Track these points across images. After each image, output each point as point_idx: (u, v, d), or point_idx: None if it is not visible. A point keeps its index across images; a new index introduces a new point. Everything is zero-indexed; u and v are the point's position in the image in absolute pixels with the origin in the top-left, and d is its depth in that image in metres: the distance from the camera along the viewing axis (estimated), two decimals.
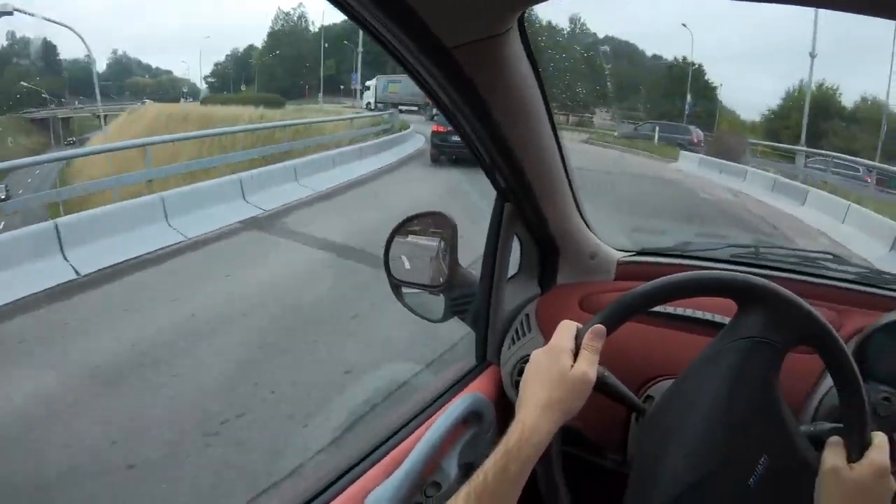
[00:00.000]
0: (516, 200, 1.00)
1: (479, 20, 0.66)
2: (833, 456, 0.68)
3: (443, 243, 1.09)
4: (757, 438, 0.69)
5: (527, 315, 1.10)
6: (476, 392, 1.05)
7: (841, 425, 0.71)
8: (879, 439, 0.69)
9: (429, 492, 0.96)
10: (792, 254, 1.29)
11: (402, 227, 1.11)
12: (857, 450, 0.67)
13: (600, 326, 0.71)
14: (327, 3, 0.61)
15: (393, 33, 0.65)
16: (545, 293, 1.14)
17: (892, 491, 0.67)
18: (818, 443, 0.70)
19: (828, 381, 0.93)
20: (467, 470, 0.97)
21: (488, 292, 1.05)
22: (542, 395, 0.68)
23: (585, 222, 1.13)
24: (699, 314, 1.03)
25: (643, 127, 19.34)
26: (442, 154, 11.21)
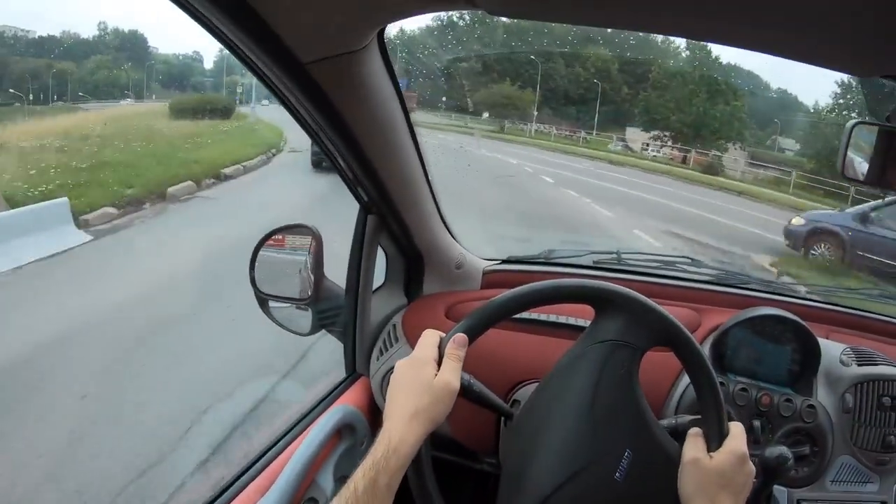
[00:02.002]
0: (379, 213, 1.01)
1: (334, 36, 0.65)
2: (693, 447, 0.72)
3: (309, 256, 1.08)
4: (620, 435, 0.72)
5: (394, 325, 1.11)
6: (346, 404, 1.04)
7: (700, 417, 0.75)
8: (736, 428, 0.74)
9: None
10: (652, 258, 1.38)
11: (267, 241, 1.08)
12: (715, 439, 0.72)
13: (462, 335, 0.72)
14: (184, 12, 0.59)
15: (248, 48, 0.63)
16: (412, 303, 1.15)
17: (752, 475, 0.72)
18: (680, 435, 0.75)
19: (687, 377, 0.98)
20: (343, 483, 0.95)
21: (354, 304, 1.05)
22: (407, 406, 0.68)
23: (451, 233, 1.16)
24: (562, 319, 1.08)
25: None
26: (322, 160, 11.05)
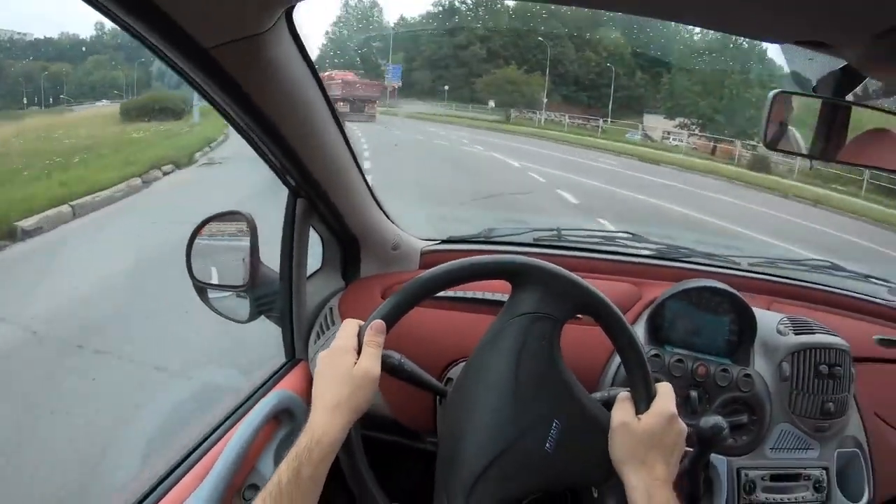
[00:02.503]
0: (308, 196, 1.01)
1: (237, 19, 0.64)
2: (621, 411, 0.73)
3: (244, 242, 1.08)
4: (547, 406, 0.72)
5: (330, 309, 1.12)
6: (285, 389, 1.04)
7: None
8: (664, 388, 0.74)
9: (247, 495, 0.94)
10: (592, 234, 1.40)
11: (202, 229, 1.08)
12: (643, 402, 0.72)
13: (379, 322, 0.73)
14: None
15: (151, 35, 0.63)
16: (349, 286, 1.15)
17: (682, 434, 0.72)
18: (612, 405, 0.75)
19: None
20: None
21: (289, 289, 1.05)
22: (328, 396, 0.69)
23: (386, 215, 1.15)
24: (489, 296, 1.08)
25: None
26: None
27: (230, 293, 1.10)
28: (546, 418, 0.72)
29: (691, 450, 0.89)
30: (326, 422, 0.67)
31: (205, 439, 0.98)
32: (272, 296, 1.09)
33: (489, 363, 0.76)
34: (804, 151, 0.92)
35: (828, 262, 1.38)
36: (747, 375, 1.05)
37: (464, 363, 1.00)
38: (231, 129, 0.89)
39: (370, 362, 0.70)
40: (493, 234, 1.34)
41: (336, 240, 1.13)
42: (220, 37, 0.64)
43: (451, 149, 14.61)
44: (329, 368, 0.71)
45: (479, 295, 1.09)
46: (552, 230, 1.35)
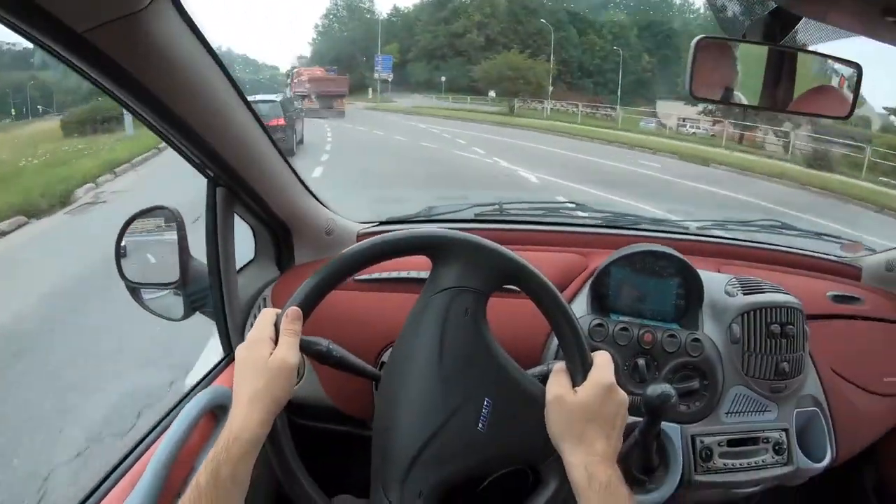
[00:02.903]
0: (228, 185, 0.97)
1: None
2: (556, 384, 0.68)
3: (174, 237, 1.05)
4: (476, 384, 0.69)
5: (264, 299, 1.09)
6: (219, 385, 1.02)
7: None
8: (601, 358, 0.69)
9: None
10: (536, 206, 1.35)
11: (128, 227, 1.06)
12: (579, 373, 0.68)
13: (295, 309, 0.70)
14: None
15: (21, 23, 0.58)
16: (282, 275, 1.12)
17: (623, 404, 0.68)
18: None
19: None
20: None
21: (219, 283, 1.02)
22: (246, 390, 0.66)
23: (317, 199, 1.12)
24: (414, 274, 1.05)
25: None
26: None
27: (164, 291, 1.08)
28: (476, 397, 0.69)
29: (640, 420, 0.85)
30: (244, 416, 0.64)
31: (138, 444, 0.95)
32: (205, 291, 1.06)
33: (413, 344, 0.73)
34: (749, 102, 0.87)
35: (778, 221, 1.34)
36: (696, 340, 1.01)
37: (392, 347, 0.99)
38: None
39: (286, 351, 0.68)
40: (433, 212, 1.30)
41: (266, 228, 1.10)
42: (92, 19, 0.60)
43: (441, 155, 12.43)
44: (245, 361, 0.68)
45: (404, 274, 1.06)
46: (493, 204, 1.31)
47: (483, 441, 0.68)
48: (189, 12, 0.71)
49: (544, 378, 0.72)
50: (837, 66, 0.87)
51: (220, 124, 0.85)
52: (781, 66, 0.86)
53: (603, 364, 0.69)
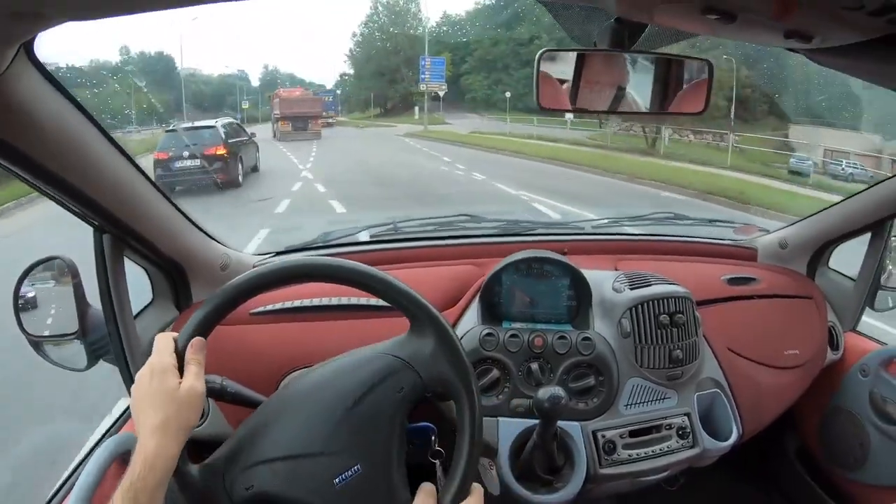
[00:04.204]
0: (113, 232, 0.97)
1: None
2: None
3: (71, 287, 1.04)
4: (361, 448, 0.70)
5: None
6: (128, 432, 1.01)
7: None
8: (477, 492, 0.71)
9: None
10: (428, 222, 1.38)
11: (23, 280, 1.04)
12: (450, 498, 0.69)
13: (200, 339, 0.71)
14: None
15: None
16: (181, 314, 1.12)
17: None
18: (420, 475, 0.74)
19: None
20: None
21: (116, 329, 1.01)
22: (155, 419, 0.66)
23: (208, 235, 1.12)
24: (307, 302, 1.07)
25: None
26: (167, 184, 8.33)
27: (65, 342, 1.06)
28: (353, 457, 0.70)
29: (535, 424, 0.89)
30: (157, 444, 0.65)
31: (54, 495, 0.94)
32: (106, 339, 1.05)
33: (335, 381, 0.74)
34: (601, 108, 0.90)
35: (671, 213, 1.39)
36: (587, 338, 1.04)
37: (299, 371, 0.99)
38: None
39: (194, 381, 0.68)
40: (329, 237, 1.32)
41: (159, 270, 1.09)
42: None
43: None
44: (152, 389, 0.68)
45: (297, 303, 1.08)
46: (388, 224, 1.34)
47: (328, 495, 0.68)
48: (49, 69, 0.71)
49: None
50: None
51: (94, 174, 0.85)
52: (668, 74, 0.90)
53: (477, 500, 0.71)
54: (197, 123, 10.92)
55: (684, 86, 0.92)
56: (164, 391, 0.67)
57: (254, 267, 1.17)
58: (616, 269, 1.17)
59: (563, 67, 0.82)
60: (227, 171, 9.24)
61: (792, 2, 0.56)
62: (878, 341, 1.30)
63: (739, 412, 1.12)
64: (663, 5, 0.66)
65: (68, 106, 0.76)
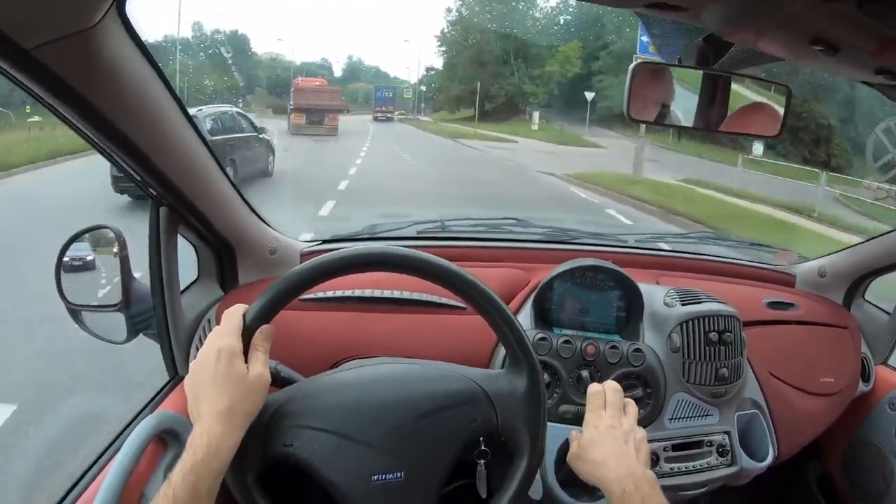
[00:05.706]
0: (171, 204, 0.95)
1: (56, 16, 0.59)
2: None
3: (116, 258, 1.02)
4: (413, 458, 0.69)
5: (209, 320, 1.07)
6: (166, 410, 0.99)
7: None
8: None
9: None
10: (478, 223, 1.37)
11: (69, 247, 1.02)
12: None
13: (269, 327, 0.70)
14: None
15: None
16: (226, 295, 1.11)
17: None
18: (467, 468, 0.74)
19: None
20: None
21: (162, 304, 0.99)
22: (221, 403, 0.64)
23: (260, 218, 1.11)
24: (359, 293, 1.07)
25: None
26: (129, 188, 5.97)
27: (105, 313, 1.04)
28: (401, 463, 0.69)
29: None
30: (223, 430, 0.62)
31: (86, 472, 0.92)
32: (148, 312, 1.03)
33: (406, 384, 0.73)
34: (685, 123, 0.91)
35: (712, 233, 1.40)
36: (637, 350, 1.05)
37: (352, 360, 0.97)
38: None
39: (263, 368, 0.67)
40: (376, 229, 1.31)
41: (209, 248, 1.08)
42: (40, 36, 0.58)
43: None
44: (219, 372, 0.65)
45: (349, 293, 1.07)
46: (435, 221, 1.33)
47: (359, 487, 0.67)
48: (138, 32, 0.70)
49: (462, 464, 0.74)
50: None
51: (165, 144, 0.84)
52: (715, 89, 0.91)
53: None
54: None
55: (759, 106, 0.93)
56: (232, 376, 0.65)
57: (302, 254, 1.16)
58: (657, 284, 1.18)
59: (656, 81, 0.82)
60: None
61: (893, 41, 0.56)
62: None
63: (776, 434, 1.13)
64: (774, 32, 0.66)
65: (151, 72, 0.75)
